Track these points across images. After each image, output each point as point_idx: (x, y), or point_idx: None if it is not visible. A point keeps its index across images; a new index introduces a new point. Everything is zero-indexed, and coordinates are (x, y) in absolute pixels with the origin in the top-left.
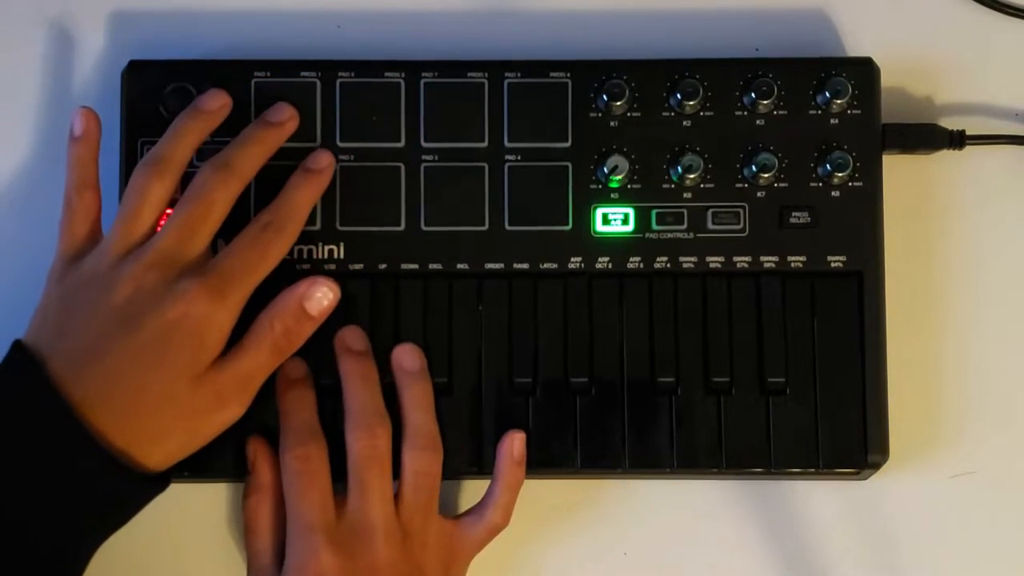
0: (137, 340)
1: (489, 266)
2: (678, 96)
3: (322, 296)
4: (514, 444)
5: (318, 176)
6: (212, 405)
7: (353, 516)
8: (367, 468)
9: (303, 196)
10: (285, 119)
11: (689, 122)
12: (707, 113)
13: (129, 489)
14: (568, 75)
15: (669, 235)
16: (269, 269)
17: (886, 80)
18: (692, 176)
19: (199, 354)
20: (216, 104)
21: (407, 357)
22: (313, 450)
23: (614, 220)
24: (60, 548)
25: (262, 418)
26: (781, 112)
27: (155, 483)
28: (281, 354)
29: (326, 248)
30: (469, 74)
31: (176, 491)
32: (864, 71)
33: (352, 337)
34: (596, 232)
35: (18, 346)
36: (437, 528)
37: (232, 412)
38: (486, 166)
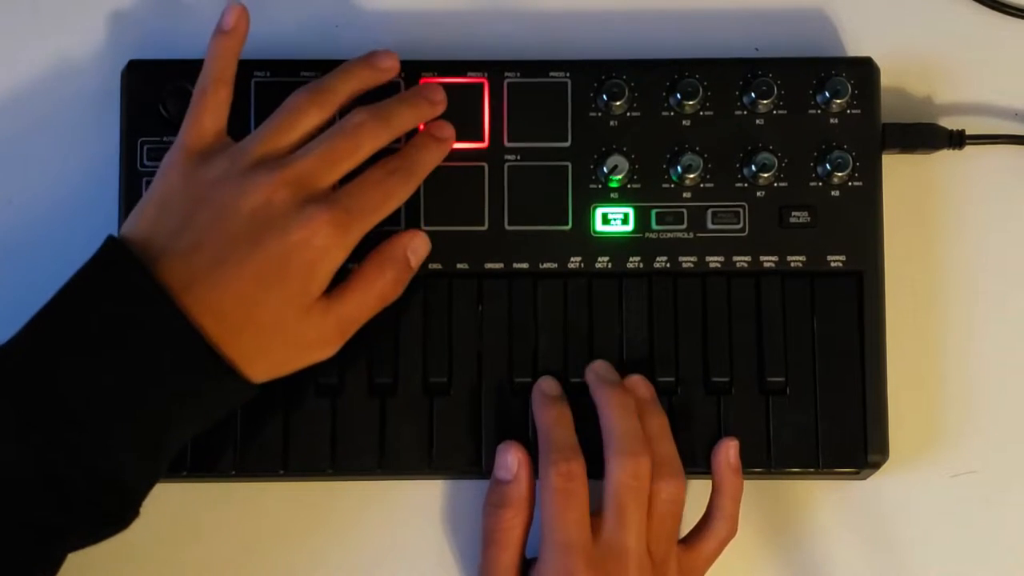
0: (256, 257)
1: (489, 266)
2: (678, 96)
3: (420, 247)
4: (729, 452)
5: (442, 144)
6: (314, 340)
7: (609, 540)
8: (629, 496)
9: (428, 156)
10: (439, 100)
11: (689, 122)
12: (707, 113)
13: (233, 395)
14: (568, 75)
15: (669, 235)
16: (387, 214)
17: (886, 80)
18: (692, 176)
19: (308, 284)
20: (388, 64)
21: (641, 385)
22: (576, 468)
23: (614, 220)
24: (159, 442)
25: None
26: (781, 112)
27: (253, 390)
28: (384, 302)
29: None
30: (469, 74)
31: (177, 491)
32: (864, 71)
33: (604, 369)
34: (596, 232)
35: (120, 244)
36: (676, 553)
37: (328, 351)
38: (486, 166)
